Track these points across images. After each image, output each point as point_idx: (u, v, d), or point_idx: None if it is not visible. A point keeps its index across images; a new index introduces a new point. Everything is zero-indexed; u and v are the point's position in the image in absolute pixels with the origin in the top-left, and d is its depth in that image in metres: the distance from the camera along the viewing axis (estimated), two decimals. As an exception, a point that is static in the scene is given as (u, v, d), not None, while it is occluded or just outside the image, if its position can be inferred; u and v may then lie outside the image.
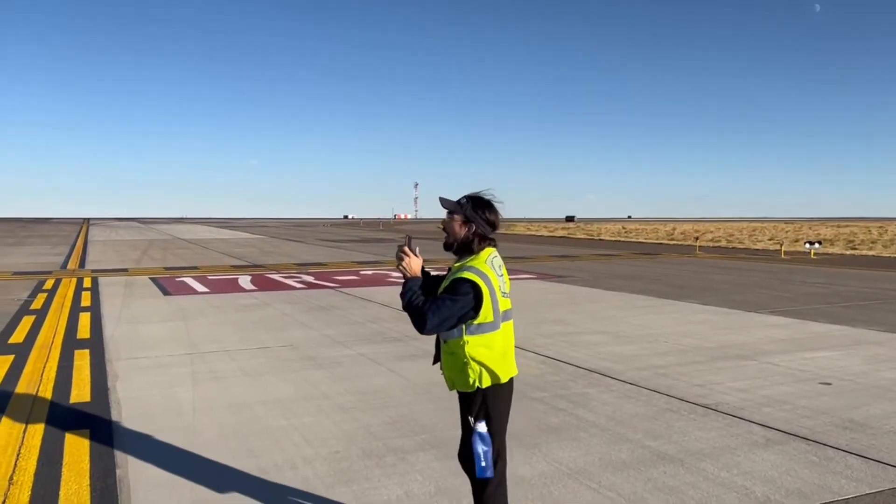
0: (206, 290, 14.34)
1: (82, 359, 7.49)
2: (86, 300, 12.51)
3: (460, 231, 3.06)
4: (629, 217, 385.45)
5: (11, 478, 4.17)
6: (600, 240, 45.80)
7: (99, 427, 5.15)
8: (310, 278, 16.70)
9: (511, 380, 3.09)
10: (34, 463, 4.43)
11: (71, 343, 8.38)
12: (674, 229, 63.28)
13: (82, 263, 21.73)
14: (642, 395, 6.11)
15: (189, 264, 21.37)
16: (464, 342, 2.95)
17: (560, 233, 57.95)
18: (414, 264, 3.01)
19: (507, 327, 3.07)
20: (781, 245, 30.13)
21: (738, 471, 4.34)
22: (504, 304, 3.04)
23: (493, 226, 3.09)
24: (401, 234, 55.81)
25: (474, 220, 3.04)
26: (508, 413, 3.15)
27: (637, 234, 55.07)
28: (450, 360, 3.04)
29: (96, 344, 8.34)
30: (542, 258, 25.46)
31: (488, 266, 3.00)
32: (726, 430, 5.14)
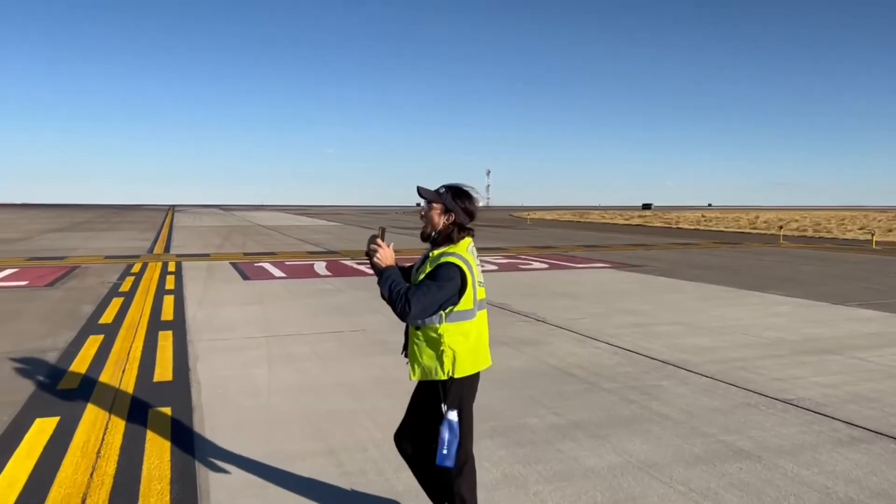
0: (283, 275, 14.73)
1: (165, 340, 7.82)
2: (170, 283, 13.05)
3: (439, 220, 3.06)
4: (709, 205, 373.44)
5: (99, 451, 4.40)
6: (678, 228, 44.57)
7: (180, 405, 5.37)
8: (382, 265, 16.90)
9: (479, 372, 3.11)
10: (120, 437, 4.65)
11: (155, 324, 8.76)
12: (756, 218, 60.93)
13: (167, 248, 22.68)
14: (719, 389, 5.91)
15: (267, 250, 22.00)
16: (441, 330, 2.95)
17: (636, 221, 56.71)
18: (387, 255, 3.01)
19: (482, 316, 3.10)
20: (873, 235, 28.57)
21: (819, 469, 4.15)
22: (480, 293, 3.06)
23: (472, 215, 3.10)
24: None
25: (454, 209, 3.04)
26: (473, 403, 3.18)
27: (717, 222, 53.30)
28: (424, 347, 3.01)
29: (179, 325, 8.69)
30: (617, 247, 24.98)
31: (469, 254, 3.02)
32: (808, 427, 4.92)
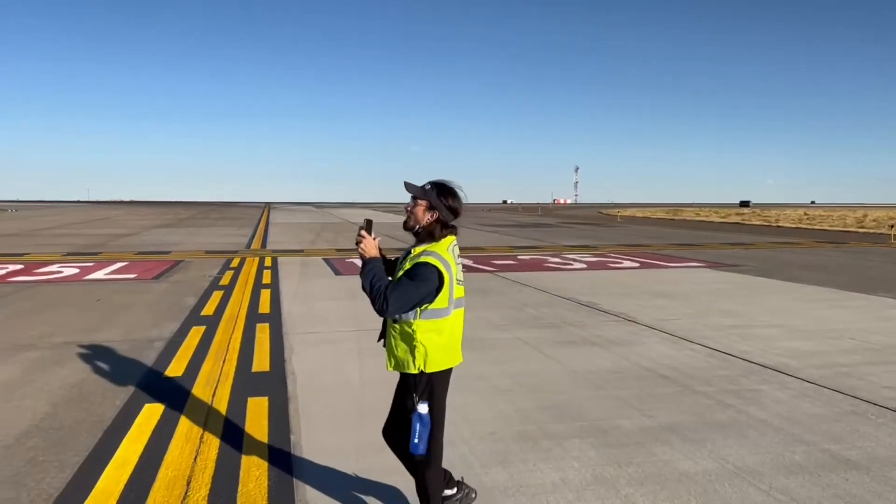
0: (372, 271, 15.00)
1: (263, 332, 8.14)
2: (266, 278, 13.56)
3: (423, 216, 3.13)
4: (812, 202, 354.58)
5: (202, 437, 4.63)
6: (778, 226, 42.56)
7: (277, 395, 5.58)
8: (468, 262, 16.98)
9: (451, 368, 3.20)
10: (221, 425, 4.88)
11: (253, 317, 9.12)
12: (864, 216, 57.33)
13: (264, 244, 23.56)
14: (822, 395, 5.62)
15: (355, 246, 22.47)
16: (415, 325, 3.04)
17: (733, 219, 54.53)
18: (370, 246, 3.11)
19: (457, 314, 3.17)
20: None
21: (937, 485, 3.88)
22: (458, 291, 3.14)
23: (455, 213, 3.16)
24: (561, 218, 55.22)
25: (438, 206, 3.10)
26: (445, 398, 3.26)
27: (821, 220, 50.53)
28: (399, 341, 3.12)
29: (275, 318, 9.02)
30: (713, 245, 24.11)
31: (449, 253, 3.09)
32: (923, 440, 4.61)
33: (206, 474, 4.00)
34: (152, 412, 5.12)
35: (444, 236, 3.15)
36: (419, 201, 3.13)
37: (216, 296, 11.05)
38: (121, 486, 3.84)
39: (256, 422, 4.93)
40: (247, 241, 25.45)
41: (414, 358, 3.07)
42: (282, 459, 4.24)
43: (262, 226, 38.51)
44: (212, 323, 8.67)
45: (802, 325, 8.73)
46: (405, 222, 3.20)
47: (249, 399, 5.47)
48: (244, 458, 4.24)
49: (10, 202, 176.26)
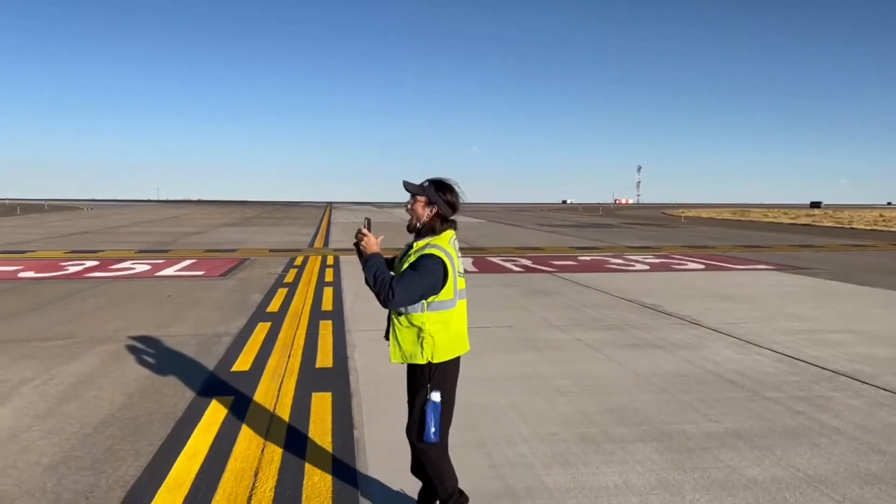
0: (431, 270, 15.10)
1: (326, 328, 8.29)
2: (329, 276, 13.80)
3: (423, 212, 3.23)
4: (888, 203, 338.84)
5: (268, 430, 4.76)
6: (851, 228, 40.84)
7: (340, 391, 5.68)
8: (527, 262, 16.91)
9: (459, 357, 3.29)
10: (286, 418, 5.00)
11: (316, 314, 9.30)
12: (946, 217, 54.48)
13: (326, 242, 23.99)
14: (900, 404, 5.38)
15: (416, 246, 22.64)
16: (424, 318, 3.13)
17: (803, 220, 52.63)
18: (371, 243, 3.21)
19: (461, 305, 3.28)
20: None
21: None
22: (460, 283, 3.26)
23: (454, 207, 3.26)
24: (622, 219, 54.36)
25: (436, 201, 3.20)
26: (456, 386, 3.32)
27: (897, 222, 48.26)
28: (406, 333, 3.19)
29: (337, 316, 9.18)
30: (781, 247, 23.33)
31: (451, 246, 3.20)
32: None
33: (272, 466, 4.11)
34: (221, 405, 5.29)
35: (445, 230, 3.25)
36: (418, 198, 3.24)
37: (281, 293, 11.31)
38: (192, 476, 3.98)
39: (320, 416, 5.03)
40: (310, 239, 25.94)
41: (423, 349, 3.15)
42: (345, 453, 4.32)
43: (324, 225, 39.19)
44: (277, 319, 8.88)
45: (877, 330, 8.37)
46: (408, 223, 3.30)
47: (314, 394, 5.58)
48: (309, 452, 4.34)
49: (85, 201, 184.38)
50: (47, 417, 4.97)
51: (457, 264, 3.21)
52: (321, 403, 5.34)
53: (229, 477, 3.97)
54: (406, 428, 3.35)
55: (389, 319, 3.30)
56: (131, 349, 7.14)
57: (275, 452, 4.33)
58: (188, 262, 16.59)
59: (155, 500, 3.68)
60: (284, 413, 5.11)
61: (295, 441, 4.53)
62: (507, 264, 16.38)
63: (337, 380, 6.01)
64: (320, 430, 4.73)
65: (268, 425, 4.84)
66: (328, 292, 11.41)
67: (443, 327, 3.16)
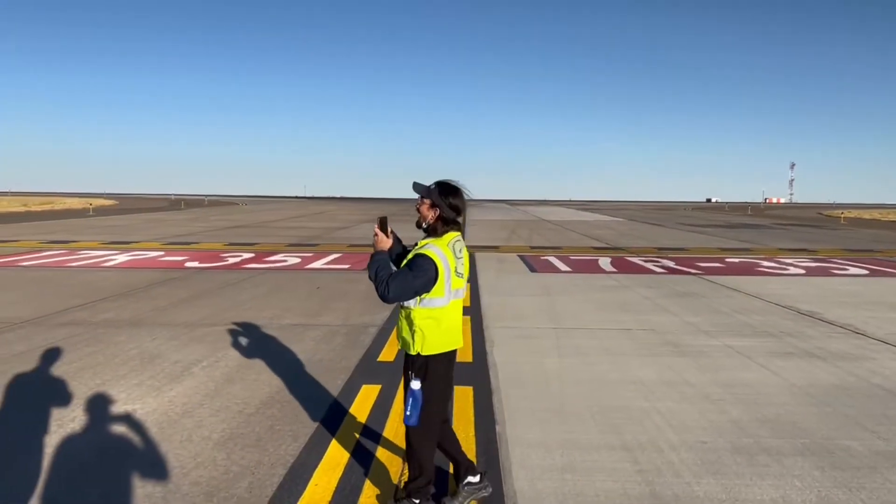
0: (568, 269, 14.95)
1: (465, 324, 8.43)
2: (465, 272, 13.98)
3: (428, 214, 3.41)
4: None
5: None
6: None
7: (480, 385, 5.77)
8: (670, 263, 16.29)
9: (454, 350, 3.48)
10: (430, 409, 5.15)
11: (455, 309, 9.46)
12: None
13: (462, 240, 24.30)
14: None
15: (552, 244, 22.48)
16: (415, 312, 3.36)
17: None
18: (383, 242, 3.40)
19: (455, 304, 3.45)
20: None
21: None
22: (457, 283, 3.42)
23: (458, 211, 3.42)
24: (773, 219, 51.11)
25: (439, 204, 3.38)
26: (450, 378, 3.52)
27: None
28: (403, 323, 3.44)
29: (475, 312, 9.31)
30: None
31: (448, 248, 3.36)
32: None
33: (419, 455, 4.25)
34: (369, 392, 5.53)
35: (446, 232, 3.43)
36: (424, 200, 3.42)
37: (420, 288, 11.59)
38: (346, 458, 4.20)
39: (463, 409, 5.14)
40: (446, 236, 26.36)
41: (413, 341, 3.37)
42: (489, 448, 4.38)
43: (459, 222, 39.66)
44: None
45: None
46: (417, 221, 3.49)
47: (456, 387, 5.70)
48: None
49: (240, 197, 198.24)
50: (215, 396, 5.42)
51: (453, 265, 3.38)
52: (463, 397, 5.45)
53: (380, 462, 4.15)
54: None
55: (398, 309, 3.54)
56: (287, 336, 7.61)
57: (421, 442, 4.47)
58: (335, 255, 17.42)
59: (313, 478, 3.93)
60: (428, 404, 5.26)
61: (439, 432, 4.65)
62: (649, 265, 15.87)
63: (477, 375, 6.10)
64: (463, 423, 4.83)
65: (413, 415, 5.00)
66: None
67: (433, 323, 3.36)
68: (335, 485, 3.84)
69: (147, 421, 4.85)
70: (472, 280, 12.74)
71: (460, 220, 3.49)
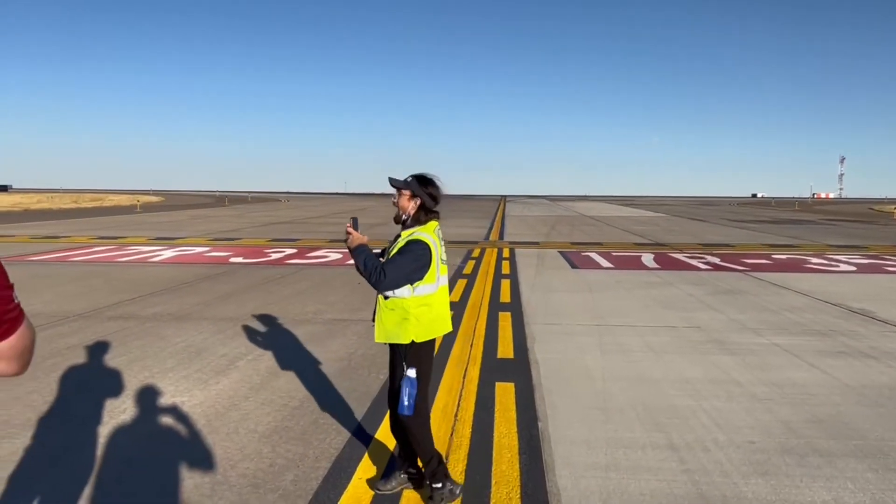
0: (609, 265, 14.79)
1: (505, 320, 8.41)
2: (505, 268, 13.96)
3: (408, 205, 3.54)
4: None
5: (456, 414, 4.93)
6: None
7: (522, 382, 5.75)
8: (715, 259, 15.99)
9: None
10: (472, 404, 5.15)
11: (495, 305, 9.46)
12: None
13: (501, 235, 24.26)
14: None
15: (593, 240, 22.26)
16: (409, 301, 3.44)
17: None
18: (356, 237, 3.47)
19: (443, 290, 3.61)
20: None
21: None
22: (442, 269, 3.58)
23: (436, 200, 3.57)
24: (822, 214, 49.81)
25: (420, 195, 3.51)
26: (432, 363, 3.64)
27: None
28: (391, 315, 3.48)
29: (516, 308, 9.27)
30: None
31: (435, 234, 3.54)
32: None
33: (461, 451, 4.25)
34: (411, 388, 5.55)
35: (429, 220, 3.56)
36: (403, 192, 3.55)
37: (460, 284, 11.62)
38: (388, 454, 4.22)
39: (504, 406, 5.12)
40: (485, 232, 26.37)
41: (407, 330, 3.45)
42: (531, 445, 4.36)
43: (498, 218, 39.64)
44: (458, 308, 9.14)
45: None
46: (395, 215, 3.60)
47: (497, 383, 5.69)
48: (496, 440, 4.43)
49: (282, 193, 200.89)
50: (260, 390, 5.51)
51: (440, 251, 3.54)
52: (505, 393, 5.43)
53: (422, 457, 4.16)
54: (388, 397, 3.73)
55: (376, 303, 3.57)
56: (329, 331, 7.69)
57: (463, 437, 4.48)
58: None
59: (357, 472, 3.96)
60: (470, 400, 5.26)
61: (481, 428, 4.65)
62: (693, 261, 15.60)
63: (519, 371, 6.07)
64: (505, 420, 4.82)
65: (455, 410, 5.01)
66: (505, 284, 11.54)
67: (427, 309, 3.49)
68: (379, 479, 3.86)
69: (194, 413, 4.95)
70: (512, 276, 12.70)
71: (438, 209, 3.64)
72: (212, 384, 5.65)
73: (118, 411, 4.97)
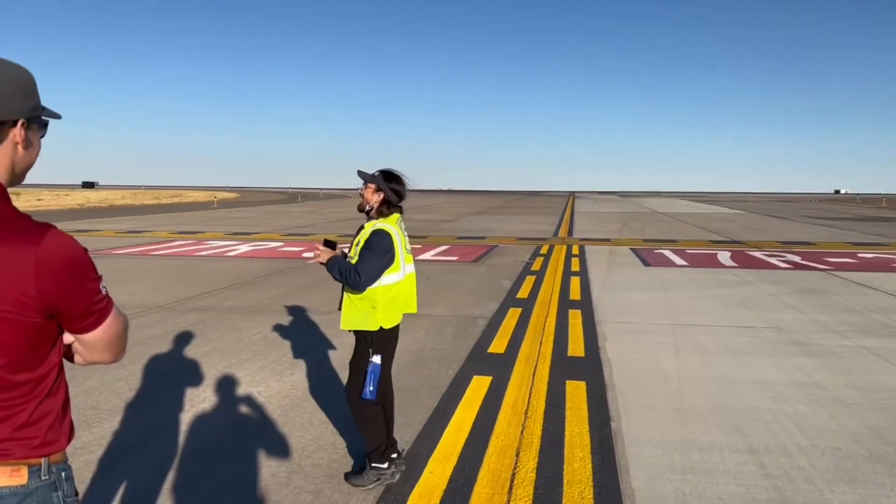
0: (684, 263, 14.41)
1: (575, 318, 8.30)
2: (575, 265, 13.79)
3: (372, 198, 3.71)
4: None
5: (526, 412, 4.90)
6: None
7: (593, 381, 5.66)
8: (796, 258, 15.36)
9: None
10: (542, 402, 5.11)
11: (565, 303, 9.35)
12: None
13: (570, 232, 23.98)
14: None
15: (666, 237, 21.73)
16: (376, 290, 3.62)
17: None
18: (325, 254, 3.66)
19: (409, 278, 3.81)
20: None
21: None
22: (408, 259, 3.79)
23: (400, 195, 3.74)
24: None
25: (384, 188, 3.68)
26: (395, 350, 3.89)
27: None
28: (358, 304, 3.66)
29: (586, 306, 9.14)
30: None
31: (397, 225, 3.72)
32: None
33: (532, 448, 4.22)
34: (480, 384, 5.55)
35: (391, 213, 3.73)
36: (369, 185, 3.71)
37: (529, 280, 11.55)
38: (458, 448, 4.23)
39: (576, 404, 5.06)
40: (554, 229, 26.12)
41: (374, 318, 3.63)
42: (604, 445, 4.29)
43: (567, 214, 39.19)
44: (527, 305, 9.08)
45: None
46: (359, 204, 3.78)
47: (567, 381, 5.63)
48: (567, 439, 4.38)
49: (353, 190, 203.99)
50: (334, 382, 5.61)
51: (403, 241, 3.73)
52: (576, 392, 5.37)
53: (493, 453, 4.15)
54: (345, 386, 3.89)
55: (342, 292, 3.76)
56: (403, 325, 7.75)
57: (534, 435, 4.44)
58: (443, 247, 17.61)
59: (428, 466, 3.98)
60: (540, 398, 5.22)
61: (553, 426, 4.60)
62: (772, 260, 15.03)
63: (590, 370, 5.99)
64: (577, 419, 4.76)
65: (525, 408, 4.98)
66: (575, 282, 11.40)
67: (393, 297, 3.69)
68: (449, 473, 3.88)
69: (270, 403, 5.08)
70: (582, 273, 12.53)
71: (401, 204, 3.80)
72: (287, 375, 5.79)
73: (198, 399, 5.16)
